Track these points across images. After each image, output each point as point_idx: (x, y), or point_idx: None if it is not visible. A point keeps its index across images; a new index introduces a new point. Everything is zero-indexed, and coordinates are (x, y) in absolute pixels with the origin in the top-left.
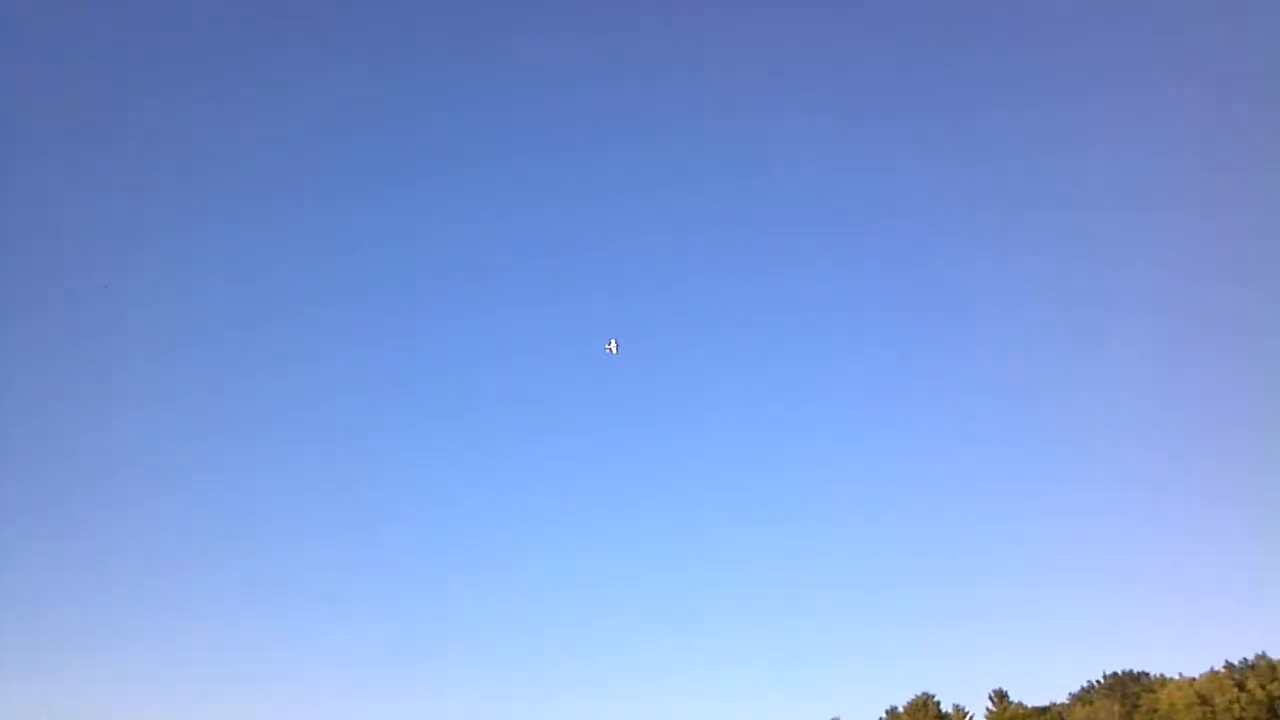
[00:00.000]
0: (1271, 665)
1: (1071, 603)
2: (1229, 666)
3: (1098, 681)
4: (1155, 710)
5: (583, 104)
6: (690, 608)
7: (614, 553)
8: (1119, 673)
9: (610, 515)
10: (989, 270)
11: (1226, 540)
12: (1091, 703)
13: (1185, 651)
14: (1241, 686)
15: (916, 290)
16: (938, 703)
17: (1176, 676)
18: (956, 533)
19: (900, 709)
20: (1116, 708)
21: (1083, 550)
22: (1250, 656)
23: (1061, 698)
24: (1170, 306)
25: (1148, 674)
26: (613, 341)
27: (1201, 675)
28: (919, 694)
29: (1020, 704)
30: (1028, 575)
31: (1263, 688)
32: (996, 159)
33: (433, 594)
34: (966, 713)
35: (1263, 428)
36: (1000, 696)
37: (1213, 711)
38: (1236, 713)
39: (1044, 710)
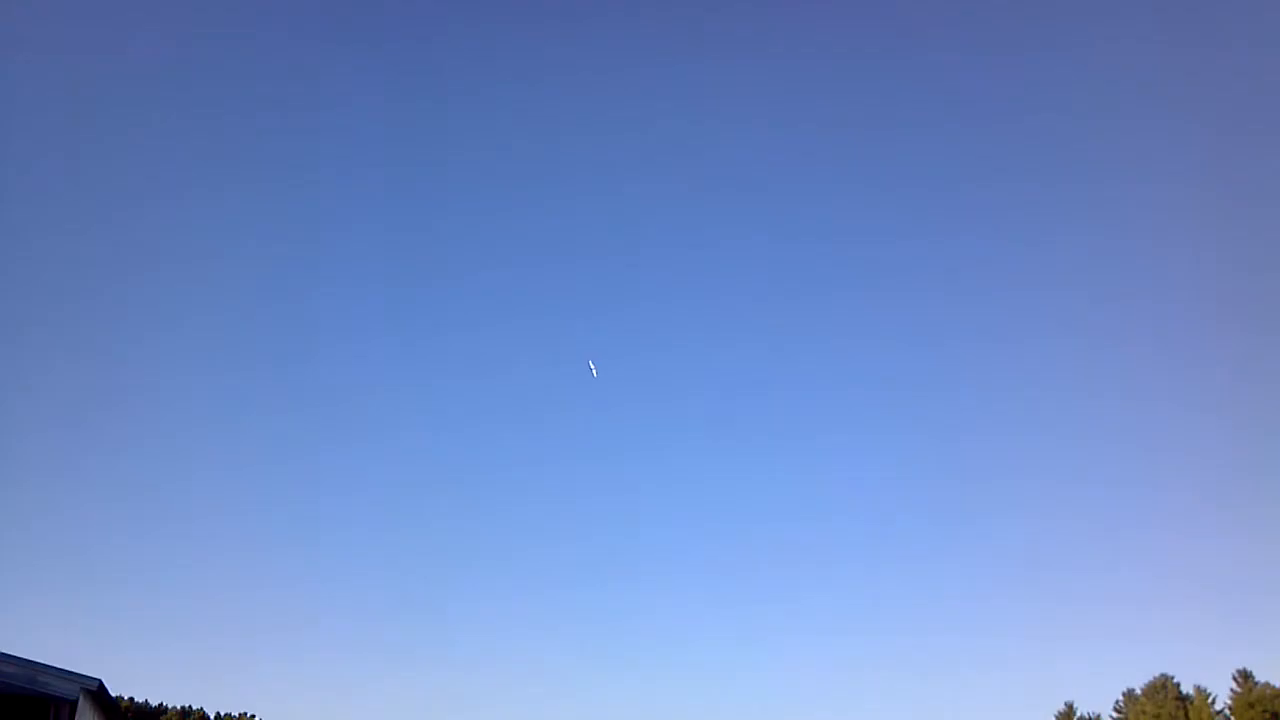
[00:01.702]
0: None
1: None
2: None
3: None
4: None
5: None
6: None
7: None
8: None
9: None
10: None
11: None
12: None
13: None
14: None
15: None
16: (1177, 684)
17: None
18: (1194, 503)
19: (1138, 691)
20: None
21: None
22: None
23: None
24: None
25: None
26: (591, 363)
27: None
28: (1157, 675)
29: (1268, 684)
30: (1273, 545)
31: None
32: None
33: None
34: (1209, 694)
35: None
36: (1245, 676)
37: None
38: None
39: None
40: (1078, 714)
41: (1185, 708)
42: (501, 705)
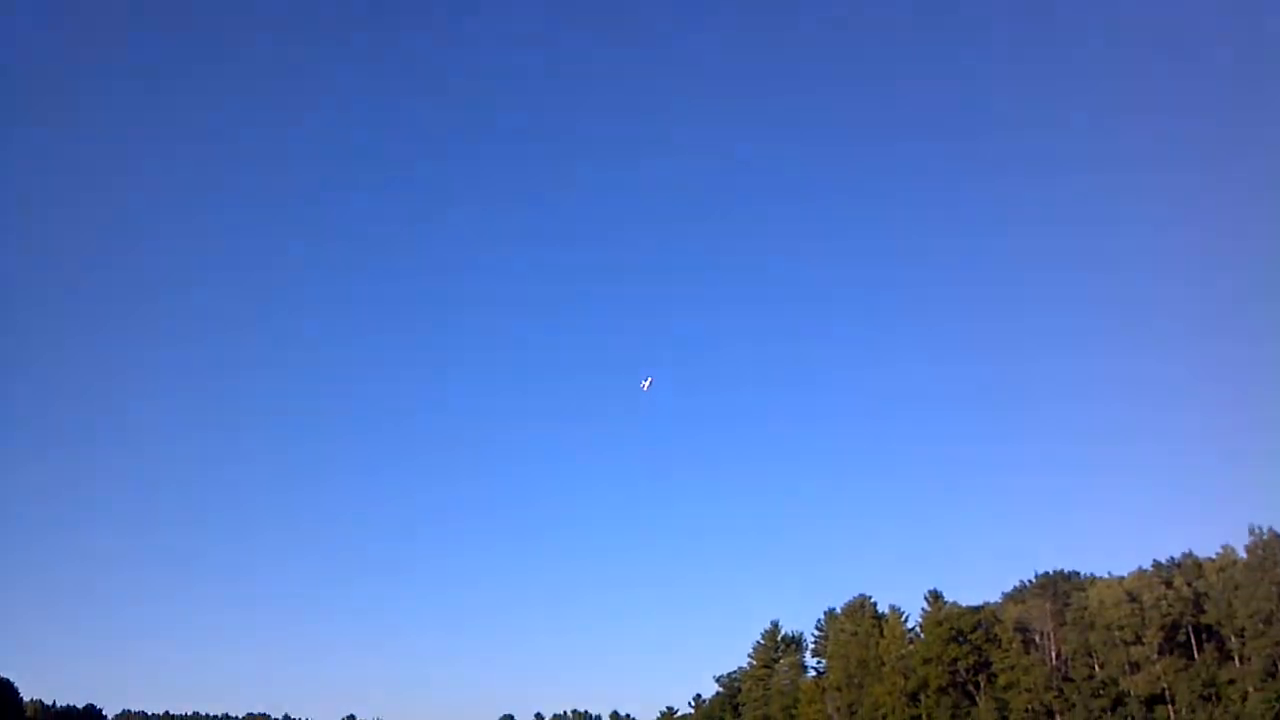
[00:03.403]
0: (1197, 563)
1: (1004, 507)
2: (1156, 565)
3: (1029, 581)
4: (1085, 608)
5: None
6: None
7: None
8: (1050, 573)
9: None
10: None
11: (1152, 447)
12: (1024, 601)
13: (1114, 552)
14: (1169, 584)
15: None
16: (874, 604)
17: (1106, 576)
18: (894, 442)
19: (838, 610)
20: (1048, 606)
21: (1012, 456)
22: (1177, 555)
23: (995, 597)
24: None
25: (1078, 573)
26: (648, 379)
27: (1130, 574)
28: (856, 596)
29: (955, 604)
30: (961, 482)
31: (1189, 584)
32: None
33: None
34: (903, 613)
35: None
36: (935, 597)
37: (1141, 608)
38: (1164, 609)
39: (977, 609)
40: (783, 632)
41: (881, 625)
42: None
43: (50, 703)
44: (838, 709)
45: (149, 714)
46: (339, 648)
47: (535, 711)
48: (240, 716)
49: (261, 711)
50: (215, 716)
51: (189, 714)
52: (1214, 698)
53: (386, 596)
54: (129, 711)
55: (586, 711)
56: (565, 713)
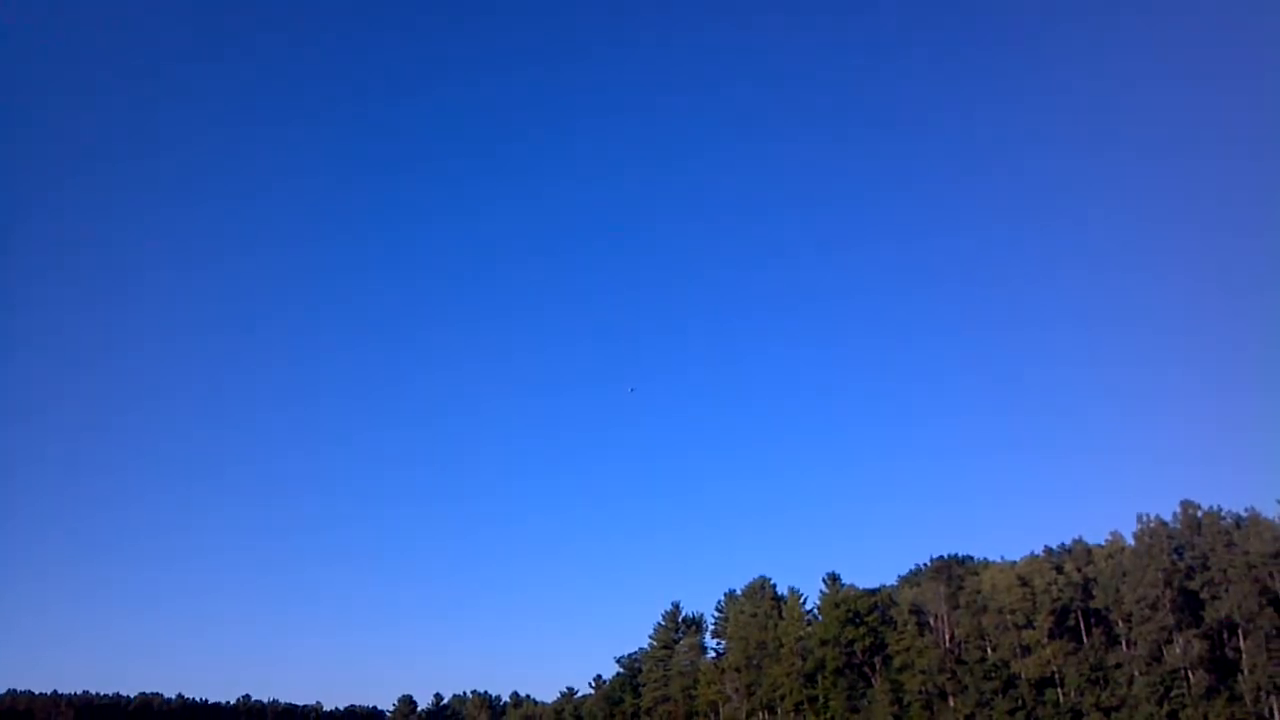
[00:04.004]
0: (1087, 549)
1: (901, 491)
2: (1048, 551)
3: (925, 564)
4: (978, 592)
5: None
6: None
7: None
8: (944, 557)
9: None
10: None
11: (1045, 434)
12: (919, 585)
13: (1007, 537)
14: (1059, 569)
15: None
16: (773, 586)
17: (999, 560)
18: (794, 426)
19: (738, 592)
20: (942, 589)
21: (908, 441)
22: (1068, 541)
23: (891, 580)
24: None
25: (971, 558)
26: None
27: (1022, 559)
28: (755, 578)
29: (852, 586)
30: (860, 465)
31: (1079, 570)
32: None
33: None
34: (801, 595)
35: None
36: (833, 579)
37: (1032, 593)
38: (1054, 594)
39: (874, 592)
40: (684, 613)
41: (780, 607)
42: None
43: None
44: (736, 689)
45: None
46: (238, 629)
47: (434, 692)
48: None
49: (154, 691)
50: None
51: None
52: (1102, 681)
53: (275, 579)
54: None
55: (486, 693)
56: (465, 694)
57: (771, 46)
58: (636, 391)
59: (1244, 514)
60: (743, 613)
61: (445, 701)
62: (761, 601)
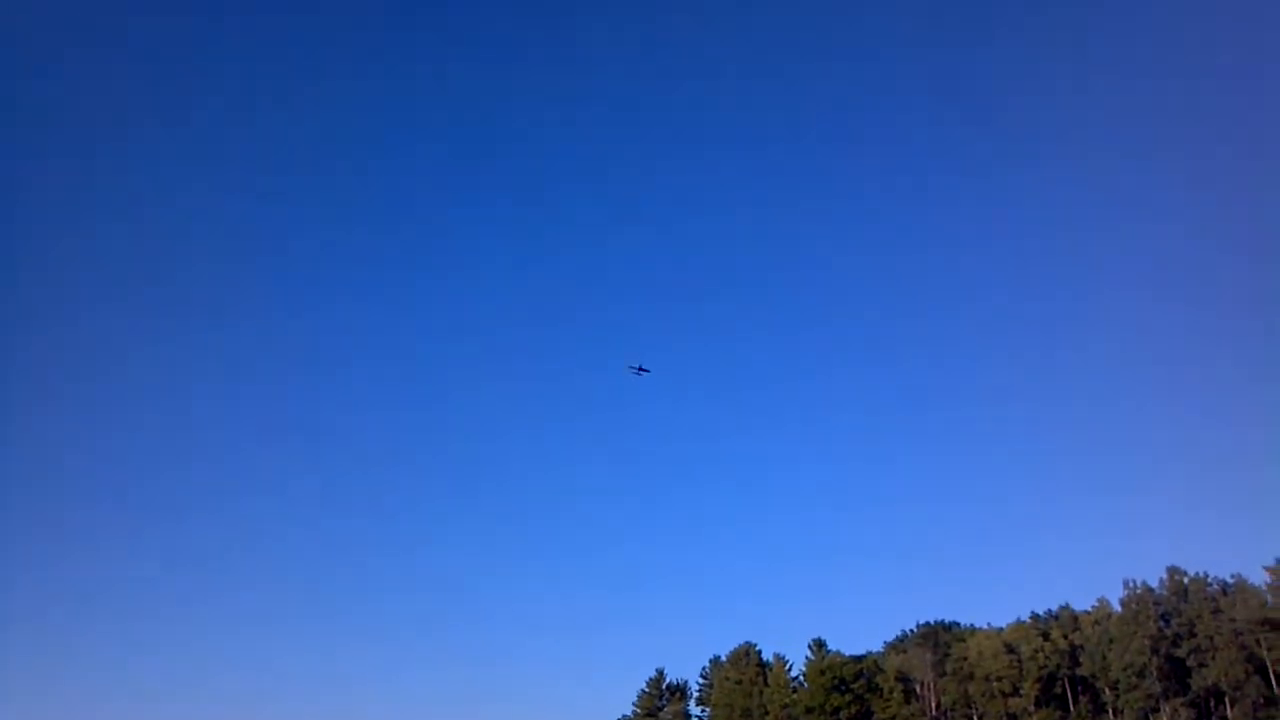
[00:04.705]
0: (1074, 616)
1: (888, 557)
2: (1034, 617)
3: (911, 630)
4: (965, 659)
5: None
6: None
7: None
8: (931, 623)
9: None
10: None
11: (1029, 500)
12: (905, 651)
13: (994, 603)
14: (1046, 636)
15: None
16: (759, 651)
17: (985, 627)
18: (779, 493)
19: (723, 658)
20: (928, 656)
21: (895, 508)
22: (1054, 608)
23: (877, 646)
24: None
25: (958, 624)
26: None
27: (1008, 626)
28: (741, 644)
29: (838, 652)
30: (846, 532)
31: (1065, 637)
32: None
33: None
34: (787, 661)
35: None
36: (819, 645)
37: (1018, 660)
38: (1041, 661)
39: (860, 658)
40: (668, 680)
41: (765, 673)
42: None
43: None
44: None
45: None
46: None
47: None
48: None
49: None
50: None
51: None
52: None
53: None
54: None
55: None
56: None
57: (771, 46)
58: (647, 374)
59: (1230, 580)
60: (728, 679)
61: None
62: (747, 668)
